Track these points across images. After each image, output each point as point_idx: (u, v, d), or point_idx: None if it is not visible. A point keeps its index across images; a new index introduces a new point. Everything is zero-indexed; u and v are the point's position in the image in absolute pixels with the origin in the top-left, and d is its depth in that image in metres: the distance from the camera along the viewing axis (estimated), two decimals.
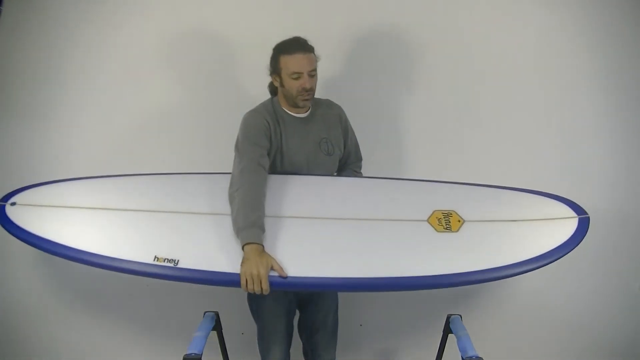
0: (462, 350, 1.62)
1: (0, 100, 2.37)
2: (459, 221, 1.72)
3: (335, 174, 2.01)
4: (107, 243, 1.68)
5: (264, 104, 1.89)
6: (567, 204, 1.78)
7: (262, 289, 1.56)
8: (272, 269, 1.58)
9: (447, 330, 1.84)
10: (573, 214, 1.74)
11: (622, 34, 2.36)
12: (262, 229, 1.63)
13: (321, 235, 1.70)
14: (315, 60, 1.82)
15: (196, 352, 1.57)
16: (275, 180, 1.82)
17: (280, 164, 1.87)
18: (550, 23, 2.38)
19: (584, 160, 2.39)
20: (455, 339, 1.72)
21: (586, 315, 2.35)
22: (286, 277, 1.58)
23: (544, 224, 1.73)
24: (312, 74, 1.81)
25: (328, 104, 1.99)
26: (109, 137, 2.40)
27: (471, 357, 1.57)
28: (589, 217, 1.72)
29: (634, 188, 2.39)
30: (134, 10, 2.39)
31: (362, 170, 2.10)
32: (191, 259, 1.63)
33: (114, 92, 2.41)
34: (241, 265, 1.58)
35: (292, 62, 1.79)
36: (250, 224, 1.62)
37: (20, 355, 2.38)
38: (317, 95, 1.91)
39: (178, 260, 1.62)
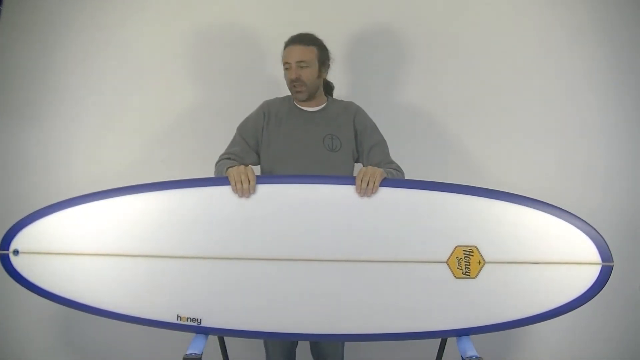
0: (462, 350, 1.62)
1: None
2: (479, 262, 1.63)
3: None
4: (126, 299, 1.66)
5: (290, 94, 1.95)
6: (594, 243, 1.62)
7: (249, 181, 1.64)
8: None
9: None
10: (598, 259, 1.61)
11: (623, 33, 2.36)
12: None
13: (332, 284, 1.65)
14: (309, 52, 1.84)
15: (196, 352, 1.58)
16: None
17: (269, 153, 1.88)
18: (551, 23, 2.38)
19: (584, 159, 2.40)
20: (455, 339, 1.72)
21: (586, 315, 2.34)
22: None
23: (565, 268, 1.62)
24: (302, 66, 1.83)
25: (347, 105, 1.98)
26: (109, 140, 2.41)
27: (471, 357, 1.57)
28: (612, 266, 1.61)
29: (634, 188, 2.39)
30: (136, 9, 2.39)
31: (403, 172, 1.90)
32: (214, 316, 1.65)
33: (117, 93, 2.41)
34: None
35: (284, 54, 1.87)
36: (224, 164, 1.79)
37: None
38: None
39: (201, 320, 1.64)
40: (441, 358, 1.92)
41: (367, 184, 1.63)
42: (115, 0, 2.39)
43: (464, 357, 1.59)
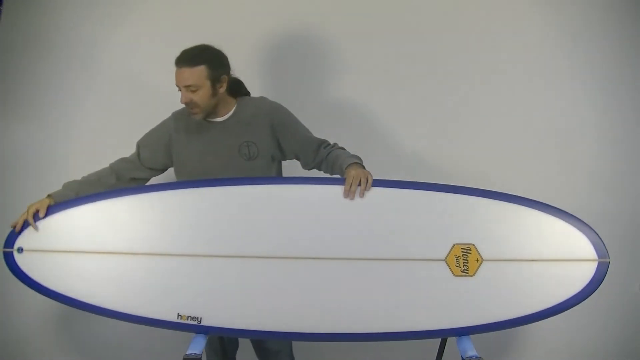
0: (462, 350, 1.62)
1: None
2: (477, 260, 1.64)
3: None
4: (127, 298, 1.66)
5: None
6: (590, 240, 1.63)
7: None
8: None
9: None
10: (594, 255, 1.63)
11: (627, 33, 2.36)
12: (68, 190, 1.76)
13: (332, 283, 1.65)
14: (197, 74, 1.71)
15: (196, 352, 1.57)
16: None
17: (185, 171, 1.83)
18: (549, 23, 2.38)
19: (583, 160, 2.40)
20: (455, 339, 1.72)
21: (586, 315, 2.35)
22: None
23: (562, 266, 1.63)
24: (192, 90, 1.71)
25: (258, 105, 1.85)
26: (109, 140, 2.41)
27: (471, 357, 1.57)
28: (608, 262, 1.62)
29: (633, 188, 2.39)
30: (137, 9, 2.40)
31: (337, 145, 1.84)
32: (214, 315, 1.65)
33: (117, 93, 2.42)
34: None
35: (175, 76, 1.74)
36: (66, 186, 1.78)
37: None
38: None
39: (201, 318, 1.64)
40: (441, 358, 1.92)
41: (359, 184, 1.62)
42: (116, 1, 2.39)
43: (464, 357, 1.59)
